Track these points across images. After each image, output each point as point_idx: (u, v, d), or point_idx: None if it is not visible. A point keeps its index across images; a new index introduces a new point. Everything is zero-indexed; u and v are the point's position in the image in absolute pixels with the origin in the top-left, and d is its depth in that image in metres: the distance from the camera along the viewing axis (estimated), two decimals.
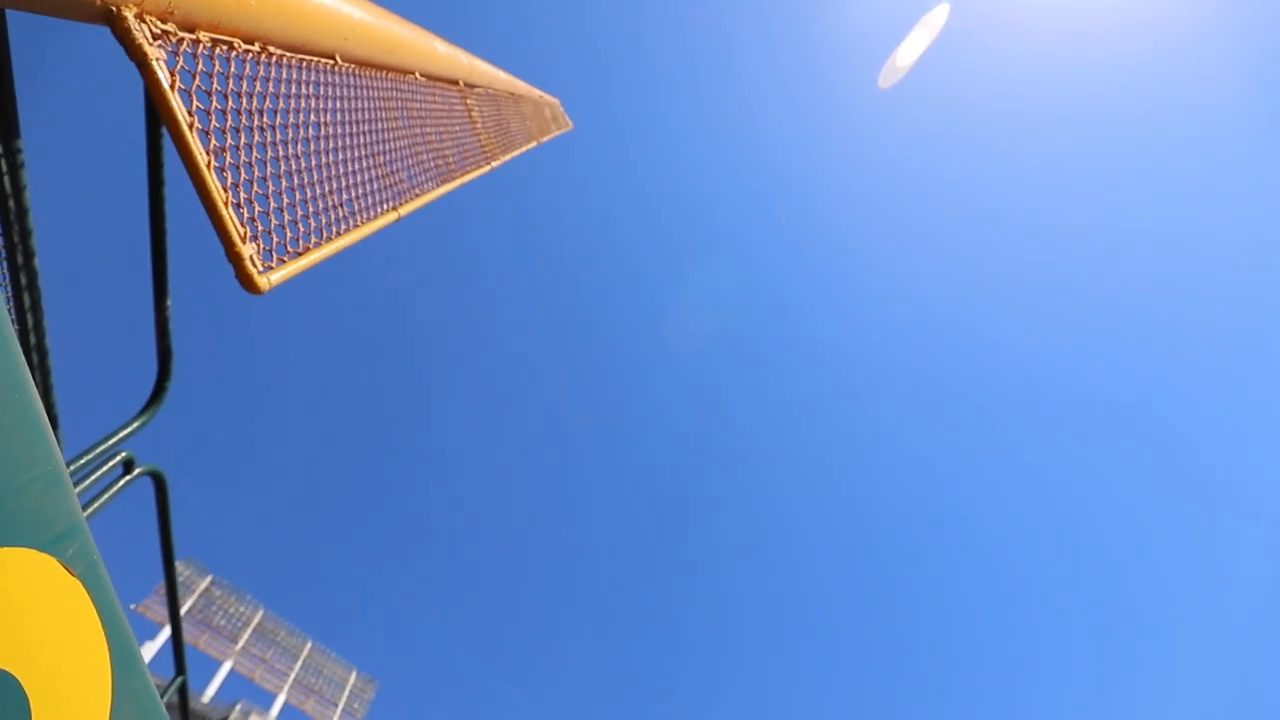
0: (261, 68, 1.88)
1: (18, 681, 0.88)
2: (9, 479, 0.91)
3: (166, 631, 27.84)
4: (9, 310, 2.75)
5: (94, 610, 1.11)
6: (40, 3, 1.19)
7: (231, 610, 33.27)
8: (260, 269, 1.62)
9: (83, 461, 2.48)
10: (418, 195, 2.97)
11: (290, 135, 2.00)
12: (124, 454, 2.74)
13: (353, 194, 2.36)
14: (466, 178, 3.84)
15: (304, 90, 2.13)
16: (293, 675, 33.86)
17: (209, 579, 32.94)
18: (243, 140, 1.71)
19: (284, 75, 2.01)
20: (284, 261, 1.75)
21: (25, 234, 2.61)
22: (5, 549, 0.88)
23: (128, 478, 2.79)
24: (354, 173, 2.43)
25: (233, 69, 1.72)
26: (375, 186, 2.58)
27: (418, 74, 3.40)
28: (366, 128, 2.64)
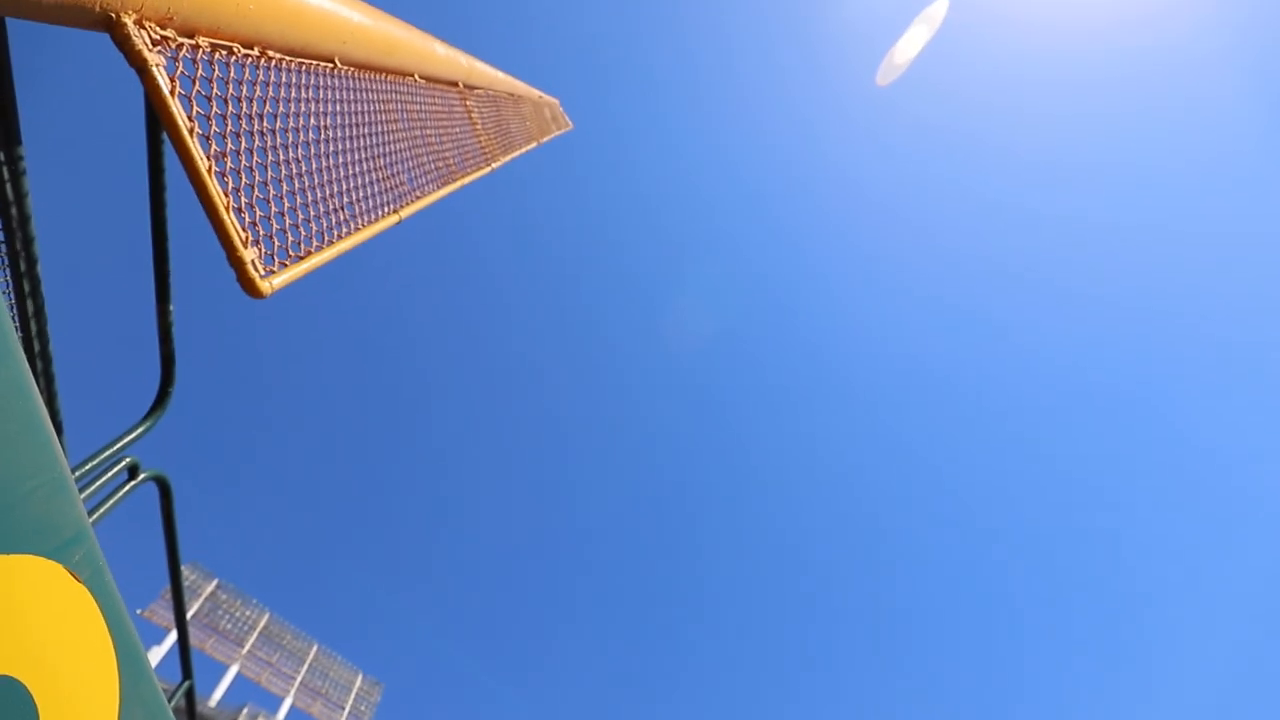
0: (261, 72, 1.88)
1: (25, 688, 0.88)
2: (14, 486, 0.91)
3: (173, 636, 27.95)
4: (12, 317, 2.75)
5: (100, 616, 1.11)
6: (40, 10, 1.19)
7: (237, 614, 33.32)
8: (262, 273, 1.62)
9: (87, 468, 2.49)
10: (418, 197, 2.97)
11: (291, 139, 2.00)
12: (128, 459, 2.75)
13: (353, 197, 2.36)
14: (467, 179, 3.84)
15: (304, 94, 2.14)
16: (299, 678, 33.93)
17: (215, 583, 32.99)
18: (243, 145, 1.71)
19: (283, 79, 2.01)
20: (286, 265, 1.75)
21: (28, 240, 2.62)
22: (11, 556, 0.89)
23: (132, 483, 2.79)
24: (354, 176, 2.43)
25: (232, 74, 1.73)
26: (376, 189, 2.58)
27: (417, 76, 3.40)
28: (366, 130, 2.64)
